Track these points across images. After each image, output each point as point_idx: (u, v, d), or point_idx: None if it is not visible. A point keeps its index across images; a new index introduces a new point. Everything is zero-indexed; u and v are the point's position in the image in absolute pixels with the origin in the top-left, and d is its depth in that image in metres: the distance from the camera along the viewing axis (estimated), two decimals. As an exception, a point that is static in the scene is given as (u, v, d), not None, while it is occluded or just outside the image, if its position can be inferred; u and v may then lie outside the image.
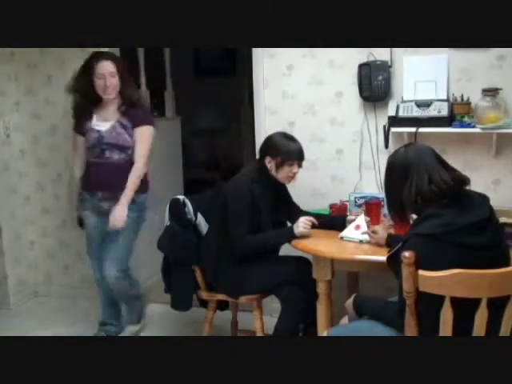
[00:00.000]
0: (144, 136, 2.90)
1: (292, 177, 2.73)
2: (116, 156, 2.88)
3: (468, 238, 1.77)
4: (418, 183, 1.86)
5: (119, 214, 2.84)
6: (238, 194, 2.69)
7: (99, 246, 3.01)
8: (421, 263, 1.76)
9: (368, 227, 2.56)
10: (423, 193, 1.86)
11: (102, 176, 2.89)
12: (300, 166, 2.73)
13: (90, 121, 2.91)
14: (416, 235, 1.82)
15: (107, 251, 2.94)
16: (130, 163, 2.87)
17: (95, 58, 2.80)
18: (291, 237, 2.65)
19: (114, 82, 2.81)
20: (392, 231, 2.52)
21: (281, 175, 2.72)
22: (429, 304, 1.77)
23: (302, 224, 2.63)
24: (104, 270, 2.94)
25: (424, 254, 1.76)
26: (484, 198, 1.91)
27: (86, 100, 2.90)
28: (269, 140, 2.78)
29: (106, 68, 2.78)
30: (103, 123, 2.89)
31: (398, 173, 1.93)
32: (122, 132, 2.87)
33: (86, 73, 2.82)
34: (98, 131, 2.88)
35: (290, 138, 2.74)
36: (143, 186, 2.96)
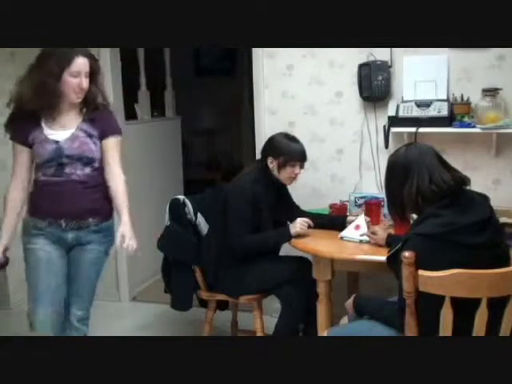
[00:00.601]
0: (118, 146, 2.40)
1: (294, 177, 2.74)
2: (79, 171, 2.31)
3: (468, 238, 1.77)
4: (418, 183, 1.87)
5: (130, 237, 2.29)
6: (239, 194, 2.69)
7: (56, 288, 2.34)
8: (421, 263, 1.76)
9: (368, 227, 2.56)
10: (423, 192, 1.86)
11: (64, 199, 2.32)
12: (302, 166, 2.73)
13: (38, 129, 2.30)
14: (416, 235, 1.82)
15: (73, 293, 2.39)
16: (95, 179, 2.35)
17: (71, 51, 2.22)
18: (288, 237, 2.67)
19: (87, 84, 2.29)
20: (392, 231, 2.52)
21: (283, 176, 2.72)
22: (429, 304, 1.77)
23: (298, 224, 2.65)
24: (70, 315, 2.39)
25: (424, 254, 1.76)
26: (484, 198, 1.91)
27: (41, 101, 2.25)
28: (271, 140, 2.78)
29: (82, 66, 2.25)
30: (60, 132, 2.31)
31: (398, 172, 1.93)
32: (88, 141, 2.32)
33: (58, 67, 2.21)
34: (56, 142, 2.29)
35: (293, 139, 2.74)
36: (109, 209, 2.42)
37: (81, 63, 2.24)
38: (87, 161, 2.33)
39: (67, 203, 2.32)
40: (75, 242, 2.38)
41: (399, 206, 1.95)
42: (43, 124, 2.32)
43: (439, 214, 1.81)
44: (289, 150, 2.70)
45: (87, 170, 2.33)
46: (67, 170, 2.30)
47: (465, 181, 1.91)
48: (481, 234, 1.80)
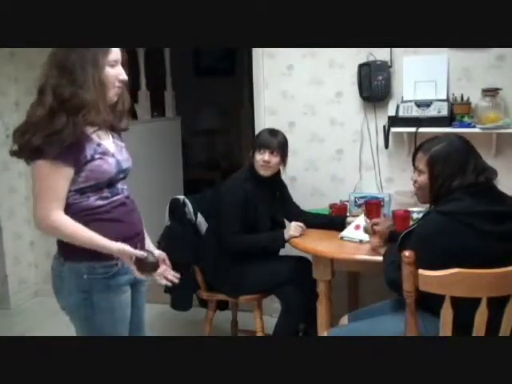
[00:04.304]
0: None
1: (265, 166, 2.72)
2: (125, 186, 1.90)
3: (482, 223, 1.81)
4: (472, 175, 1.90)
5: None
6: (228, 193, 2.72)
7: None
8: (435, 238, 1.83)
9: (368, 227, 2.57)
10: (470, 183, 1.89)
11: (133, 221, 1.87)
12: (273, 154, 2.71)
13: (90, 140, 1.74)
14: (435, 211, 1.89)
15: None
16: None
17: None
18: (282, 241, 2.69)
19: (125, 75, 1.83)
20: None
21: (256, 166, 2.74)
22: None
23: (292, 228, 2.67)
24: None
25: (439, 229, 1.83)
26: (509, 196, 1.97)
27: (90, 104, 1.69)
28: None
29: (119, 54, 1.79)
30: (106, 140, 1.82)
31: (454, 164, 1.93)
32: (125, 150, 1.90)
33: (94, 54, 1.73)
34: (113, 154, 1.81)
35: (270, 131, 2.78)
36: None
37: (117, 50, 1.79)
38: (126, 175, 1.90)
39: (137, 225, 1.89)
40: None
41: (439, 194, 1.96)
42: (91, 133, 1.75)
43: (462, 198, 1.86)
44: (256, 139, 2.78)
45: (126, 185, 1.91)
46: (119, 186, 1.85)
47: (496, 173, 1.96)
48: (497, 223, 1.83)
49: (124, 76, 1.79)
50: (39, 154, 1.66)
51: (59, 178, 1.69)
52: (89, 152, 1.72)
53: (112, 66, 1.76)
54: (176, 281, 1.91)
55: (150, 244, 2.03)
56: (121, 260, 1.78)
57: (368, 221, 2.62)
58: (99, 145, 1.76)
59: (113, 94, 1.78)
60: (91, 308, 1.75)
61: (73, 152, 1.68)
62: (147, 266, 1.74)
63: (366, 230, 2.45)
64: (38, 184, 1.70)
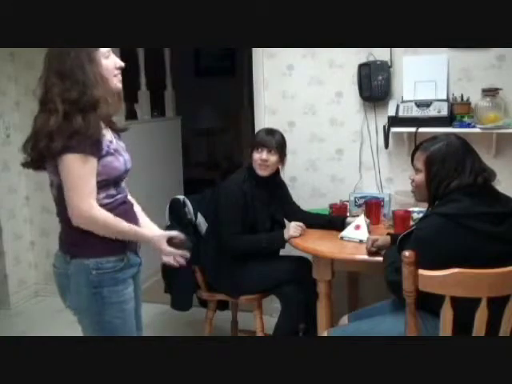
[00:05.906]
0: None
1: (263, 164, 2.71)
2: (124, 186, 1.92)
3: (480, 225, 1.81)
4: (468, 176, 1.90)
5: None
6: (226, 194, 2.72)
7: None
8: (434, 239, 1.83)
9: (368, 227, 2.57)
10: (467, 184, 1.89)
11: (132, 218, 1.91)
12: (271, 153, 2.70)
13: (104, 136, 1.76)
14: (434, 214, 1.89)
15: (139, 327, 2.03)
16: None
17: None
18: (282, 241, 2.69)
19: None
20: (391, 231, 2.52)
21: (255, 165, 2.74)
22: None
23: (292, 228, 2.67)
24: None
25: (438, 231, 1.83)
26: (508, 197, 1.96)
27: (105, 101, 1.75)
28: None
29: None
30: (114, 139, 1.85)
31: (451, 164, 1.93)
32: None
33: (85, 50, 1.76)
34: (121, 153, 1.85)
35: (267, 131, 2.78)
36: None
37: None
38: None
39: (135, 219, 1.93)
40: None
41: (437, 194, 1.95)
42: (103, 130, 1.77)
43: (461, 199, 1.86)
44: (254, 138, 2.78)
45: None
46: (123, 184, 1.89)
47: (495, 174, 1.96)
48: (496, 224, 1.83)
49: (120, 63, 1.83)
50: (66, 150, 1.67)
51: (91, 169, 1.71)
52: (104, 147, 1.75)
53: (106, 57, 1.80)
54: (183, 263, 1.93)
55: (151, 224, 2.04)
56: (127, 254, 1.83)
57: (368, 221, 2.63)
58: (111, 141, 1.80)
59: (116, 81, 1.81)
60: (102, 303, 1.78)
61: (95, 144, 1.71)
62: (184, 244, 1.89)
63: (368, 252, 2.37)
64: (72, 177, 1.69)
